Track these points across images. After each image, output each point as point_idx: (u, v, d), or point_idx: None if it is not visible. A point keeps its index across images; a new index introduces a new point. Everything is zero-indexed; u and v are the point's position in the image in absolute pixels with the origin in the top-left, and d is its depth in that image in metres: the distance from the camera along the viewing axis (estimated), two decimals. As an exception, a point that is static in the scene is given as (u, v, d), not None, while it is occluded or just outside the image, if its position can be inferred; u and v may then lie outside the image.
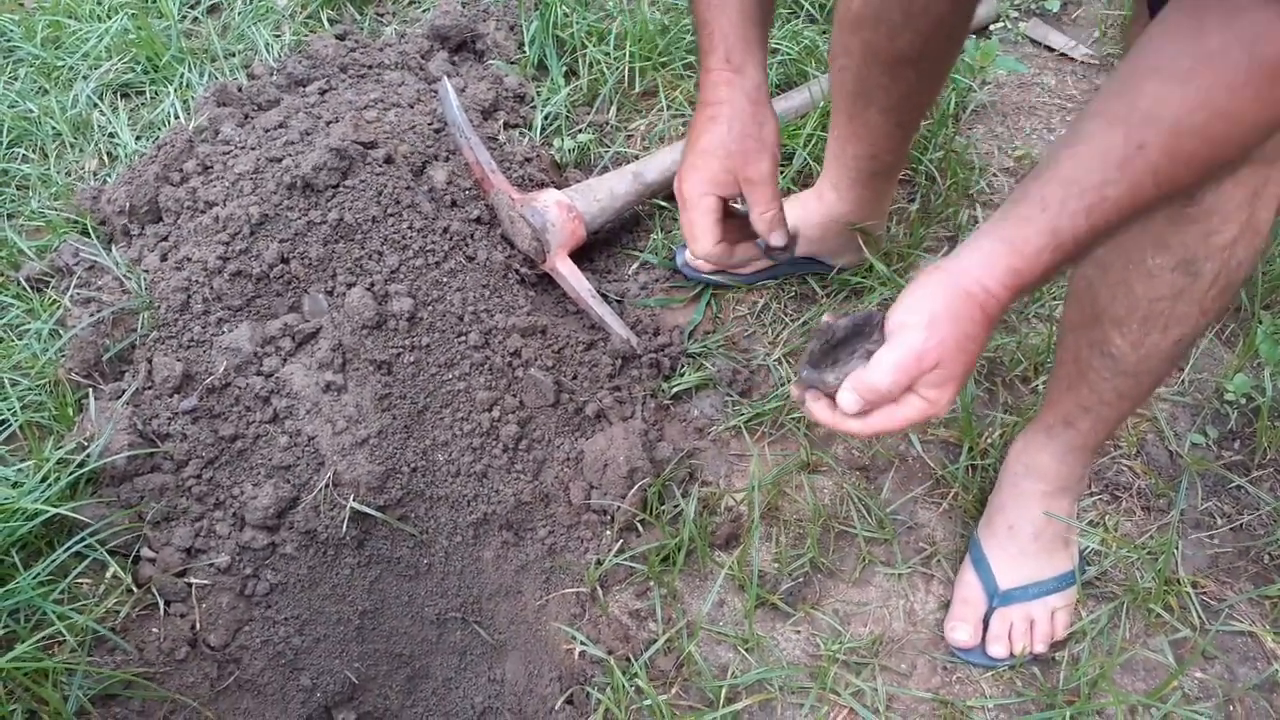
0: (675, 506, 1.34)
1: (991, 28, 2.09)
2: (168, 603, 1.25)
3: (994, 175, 1.72)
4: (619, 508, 1.32)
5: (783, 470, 1.37)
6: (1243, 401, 1.44)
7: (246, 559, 1.30)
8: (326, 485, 1.32)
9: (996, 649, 1.21)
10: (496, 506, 1.37)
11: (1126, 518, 1.35)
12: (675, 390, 1.46)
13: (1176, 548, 1.30)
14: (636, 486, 1.33)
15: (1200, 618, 1.25)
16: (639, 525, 1.33)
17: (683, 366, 1.48)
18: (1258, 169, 0.89)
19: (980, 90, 1.87)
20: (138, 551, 1.27)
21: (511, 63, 1.89)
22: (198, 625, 1.26)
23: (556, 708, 1.24)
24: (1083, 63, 2.00)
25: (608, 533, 1.34)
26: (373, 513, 1.32)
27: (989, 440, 1.38)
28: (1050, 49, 2.04)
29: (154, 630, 1.22)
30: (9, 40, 1.87)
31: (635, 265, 1.62)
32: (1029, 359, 1.46)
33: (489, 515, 1.37)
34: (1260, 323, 1.49)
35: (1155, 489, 1.37)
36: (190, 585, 1.27)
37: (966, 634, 1.22)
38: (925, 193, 1.68)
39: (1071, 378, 1.13)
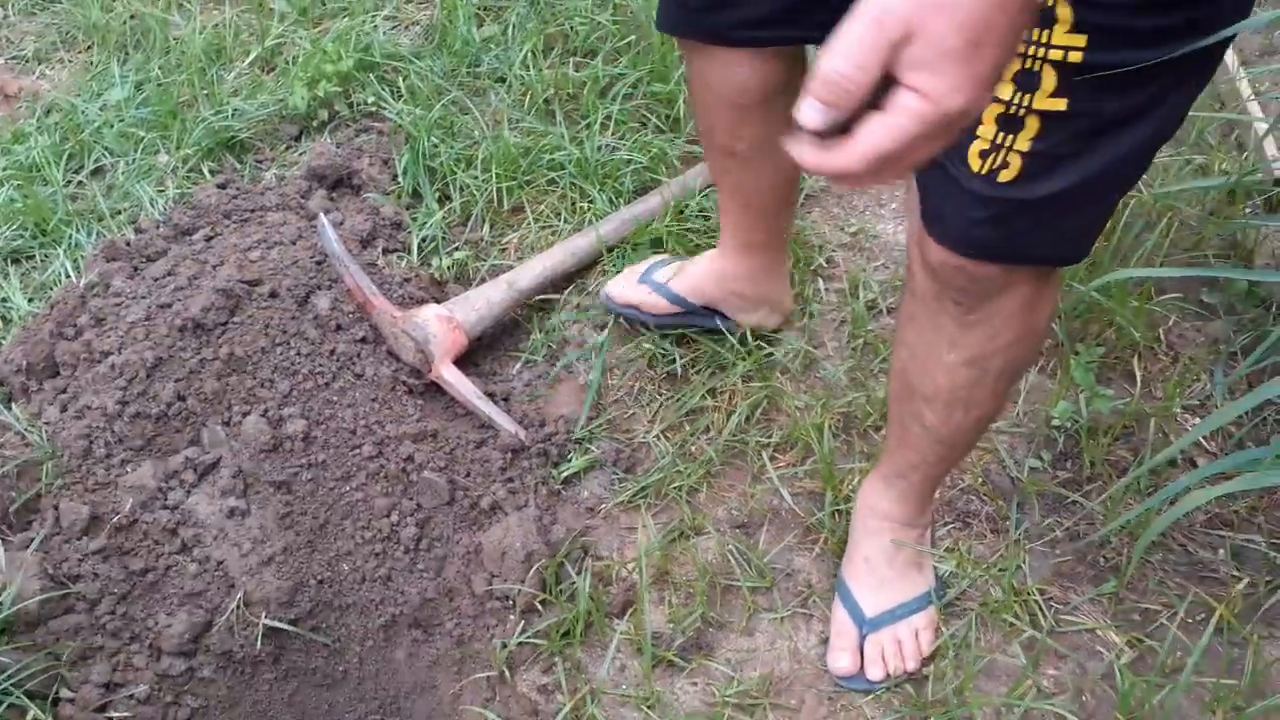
0: (571, 583, 1.44)
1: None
2: (90, 739, 1.29)
3: (833, 251, 1.91)
4: (519, 591, 1.42)
5: (667, 535, 1.48)
6: (1068, 425, 1.61)
7: (166, 687, 1.36)
8: (238, 605, 1.39)
9: (874, 672, 1.33)
10: (403, 607, 1.45)
11: (978, 541, 1.49)
12: (564, 475, 1.57)
13: (1023, 562, 1.45)
14: (534, 569, 1.42)
15: (1049, 621, 1.39)
16: (539, 605, 1.42)
17: (570, 452, 1.59)
18: (1030, 283, 1.02)
19: (811, 178, 2.07)
20: (56, 693, 1.32)
21: (386, 194, 2.03)
22: (120, 758, 1.30)
23: (477, 788, 1.31)
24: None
25: (511, 616, 1.43)
26: (285, 627, 1.39)
27: (850, 487, 1.53)
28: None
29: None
30: (-106, 224, 1.95)
31: (518, 365, 1.75)
32: (877, 410, 1.62)
33: (397, 616, 1.45)
34: (1076, 354, 1.68)
35: (1000, 512, 1.52)
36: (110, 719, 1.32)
37: (846, 661, 1.33)
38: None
39: (899, 439, 1.28)
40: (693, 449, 1.61)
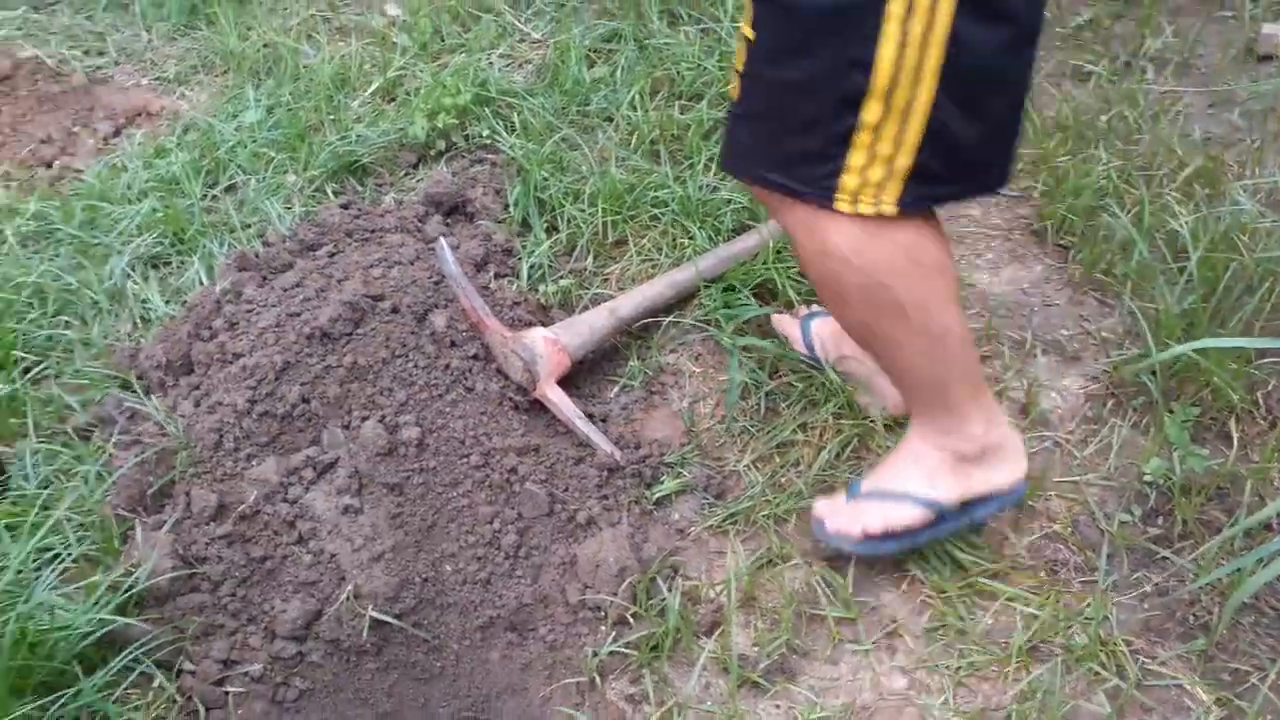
0: (661, 600, 1.49)
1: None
2: (208, 709, 1.38)
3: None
4: (611, 603, 1.48)
5: (756, 561, 1.53)
6: (1160, 482, 1.62)
7: (277, 668, 1.44)
8: (348, 597, 1.47)
9: (829, 522, 1.48)
10: (501, 610, 1.52)
11: (1064, 589, 1.51)
12: (657, 496, 1.63)
13: (1110, 613, 1.46)
14: (626, 583, 1.48)
15: (1135, 673, 1.39)
16: (630, 618, 1.48)
17: (663, 475, 1.65)
18: (782, 213, 1.24)
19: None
20: (180, 665, 1.41)
21: (498, 222, 2.13)
22: (233, 732, 1.38)
23: (563, 790, 1.36)
24: (1004, 194, 2.27)
25: (602, 627, 1.49)
26: (390, 620, 1.46)
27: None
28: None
29: (194, 737, 1.35)
30: (50, 224, 2.11)
31: (616, 389, 1.82)
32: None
33: (494, 619, 1.51)
34: (1170, 412, 1.69)
35: (1088, 563, 1.54)
36: (228, 694, 1.40)
37: (821, 506, 1.50)
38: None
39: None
40: (782, 480, 1.65)
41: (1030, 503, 1.61)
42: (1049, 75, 2.54)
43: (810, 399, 1.75)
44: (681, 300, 1.92)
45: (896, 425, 1.68)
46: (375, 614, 1.46)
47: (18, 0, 3.00)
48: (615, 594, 1.48)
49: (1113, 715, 1.34)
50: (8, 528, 1.44)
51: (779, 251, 1.95)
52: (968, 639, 1.44)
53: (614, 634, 1.46)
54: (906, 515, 1.43)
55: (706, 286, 1.92)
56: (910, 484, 1.43)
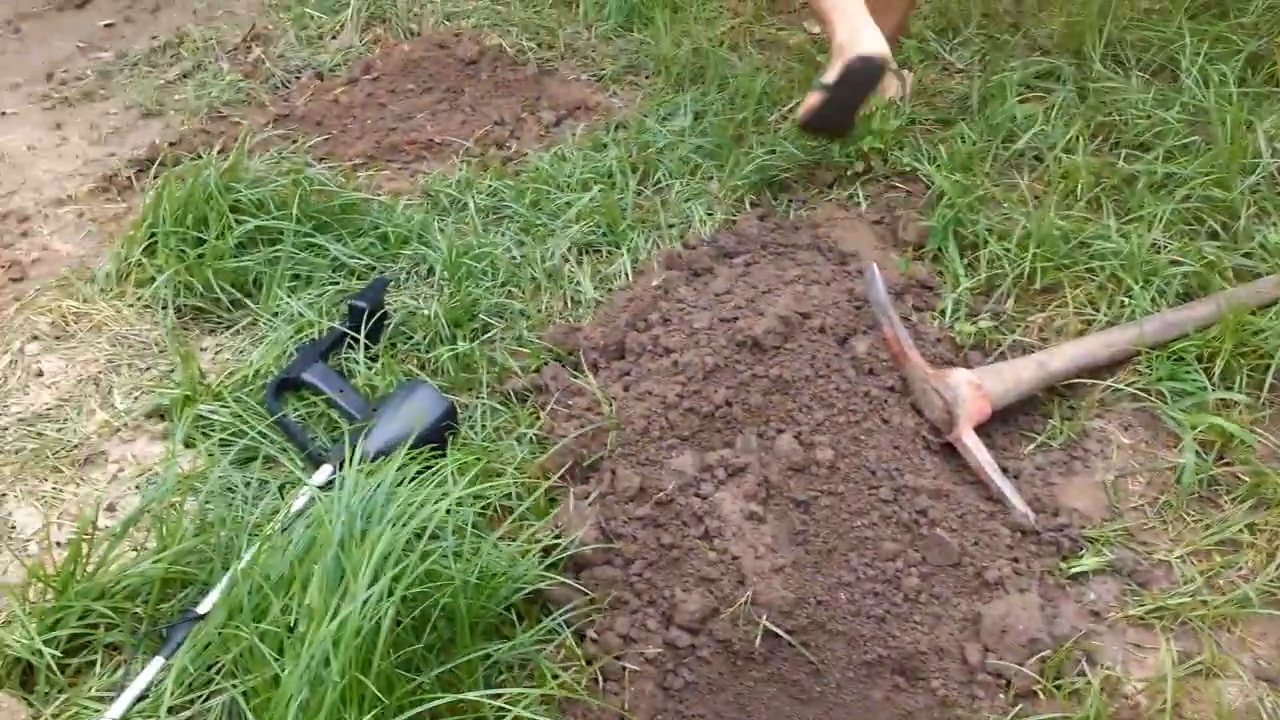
0: (1073, 682, 1.39)
1: None
2: (605, 680, 1.46)
3: None
4: (1017, 672, 1.40)
5: (1187, 667, 1.39)
6: None
7: (669, 655, 1.50)
8: (746, 602, 1.50)
9: None
10: (892, 651, 1.48)
11: None
12: (1073, 571, 1.52)
13: None
14: (1036, 656, 1.40)
15: None
16: (1039, 694, 1.39)
17: (1083, 549, 1.55)
18: None
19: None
20: (585, 631, 1.51)
21: (918, 251, 2.09)
22: (625, 706, 1.45)
23: None
24: None
25: (1001, 695, 1.41)
26: (781, 634, 1.48)
27: None
28: None
29: (594, 704, 1.43)
30: (502, 200, 2.34)
31: (1032, 446, 1.73)
32: None
33: (883, 657, 1.48)
34: None
35: None
36: (624, 669, 1.48)
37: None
38: None
39: None
40: (1222, 582, 1.49)
41: None
42: None
43: (1262, 497, 1.57)
44: (1115, 363, 1.79)
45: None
46: (769, 624, 1.48)
47: (480, -7, 3.35)
48: (1022, 664, 1.40)
49: None
50: (460, 470, 1.60)
51: (1239, 328, 1.75)
52: None
53: (1018, 706, 1.39)
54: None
55: (1148, 351, 1.77)
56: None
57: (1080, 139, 2.28)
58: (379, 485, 1.32)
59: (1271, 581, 1.47)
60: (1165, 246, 1.98)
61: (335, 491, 1.34)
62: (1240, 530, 1.53)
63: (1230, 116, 2.16)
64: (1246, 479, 1.60)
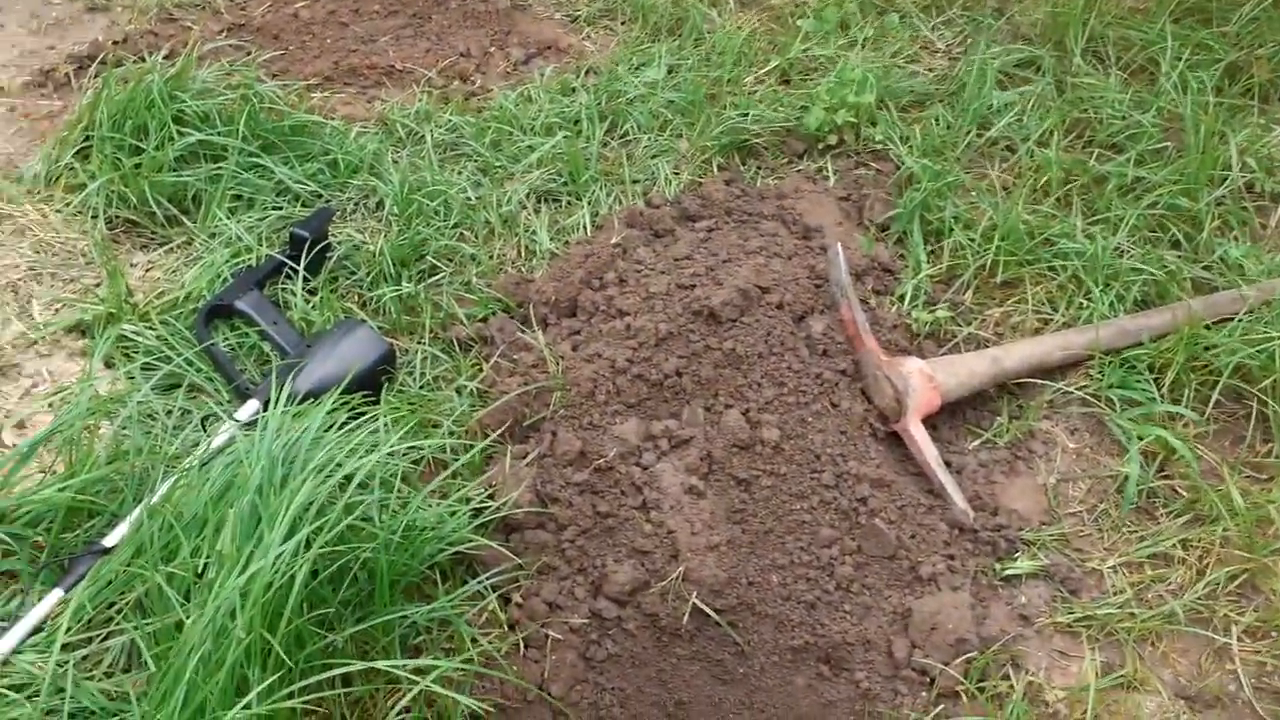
0: (995, 685, 1.39)
1: None
2: (526, 646, 1.43)
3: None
4: (942, 671, 1.39)
5: (1110, 679, 1.39)
6: None
7: (595, 625, 1.47)
8: (677, 577, 1.47)
9: None
10: (819, 638, 1.47)
11: None
12: (1006, 573, 1.52)
13: None
14: (962, 657, 1.39)
15: None
16: (962, 695, 1.39)
17: (1018, 552, 1.54)
18: None
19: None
20: (510, 595, 1.46)
21: (882, 232, 2.05)
22: (545, 675, 1.42)
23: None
24: None
25: (924, 693, 1.41)
26: (710, 612, 1.45)
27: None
28: None
29: (514, 668, 1.39)
30: (461, 136, 2.24)
31: (977, 442, 1.71)
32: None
33: (809, 644, 1.47)
34: None
35: None
36: (547, 637, 1.44)
37: None
38: None
39: None
40: (1151, 596, 1.50)
41: None
42: None
43: (1198, 513, 1.57)
44: (1069, 364, 1.78)
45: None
46: (699, 602, 1.45)
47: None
48: (948, 663, 1.39)
49: None
50: (394, 420, 1.54)
51: (1194, 341, 1.75)
52: None
53: (940, 706, 1.38)
54: None
55: (1101, 356, 1.76)
56: None
57: (1055, 133, 2.25)
58: (305, 430, 1.25)
59: (1199, 599, 1.48)
60: (1129, 251, 1.97)
61: (258, 432, 1.27)
62: (1174, 545, 1.53)
63: (1205, 125, 2.14)
64: (1185, 493, 1.61)
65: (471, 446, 1.54)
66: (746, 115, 2.29)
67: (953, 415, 1.76)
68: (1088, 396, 1.72)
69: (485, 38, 2.66)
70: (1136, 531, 1.57)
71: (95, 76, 2.31)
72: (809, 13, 2.71)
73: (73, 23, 2.68)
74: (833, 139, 2.30)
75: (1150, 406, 1.68)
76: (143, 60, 2.29)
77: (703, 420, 1.58)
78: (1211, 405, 1.70)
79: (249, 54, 2.42)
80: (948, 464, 1.64)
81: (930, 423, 1.69)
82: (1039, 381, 1.75)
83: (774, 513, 1.53)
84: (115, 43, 2.50)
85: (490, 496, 1.48)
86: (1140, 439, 1.63)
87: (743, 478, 1.54)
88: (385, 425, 1.40)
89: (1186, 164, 2.12)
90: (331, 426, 1.34)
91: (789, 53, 2.55)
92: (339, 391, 1.45)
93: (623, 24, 2.77)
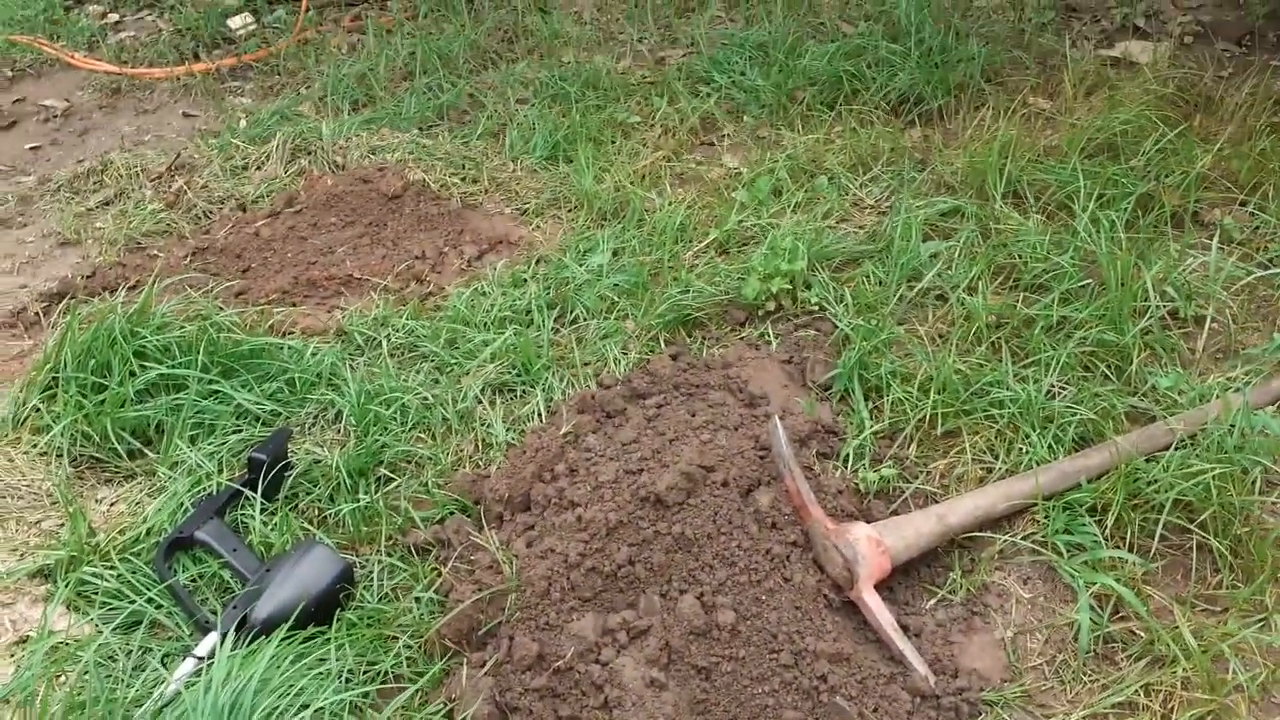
0: None
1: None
2: None
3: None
4: None
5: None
6: None
7: (565, 835, 1.45)
8: (644, 777, 1.46)
9: None
10: (792, 825, 1.45)
11: None
12: (972, 737, 1.51)
13: None
14: (934, 832, 1.37)
15: None
16: None
17: (981, 714, 1.54)
18: None
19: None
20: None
21: (824, 393, 2.12)
22: None
23: None
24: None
25: None
26: (680, 811, 1.44)
27: None
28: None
29: None
30: (417, 338, 2.33)
31: (933, 601, 1.73)
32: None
33: (784, 833, 1.45)
34: None
35: None
36: None
37: None
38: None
39: None
40: (1119, 747, 1.49)
41: None
42: None
43: (1156, 656, 1.58)
44: (1014, 513, 1.81)
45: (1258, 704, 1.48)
46: (667, 801, 1.44)
47: (409, 124, 3.41)
48: (920, 842, 1.37)
49: None
50: (350, 639, 1.56)
51: (1132, 478, 1.79)
52: None
53: None
54: None
55: (1045, 500, 1.80)
56: None
57: (982, 279, 2.35)
58: (250, 677, 1.27)
59: (1166, 746, 1.47)
60: (1061, 392, 2.03)
61: (202, 679, 1.29)
62: (1136, 692, 1.53)
63: (1120, 261, 2.24)
64: (1142, 633, 1.62)
65: (430, 659, 1.56)
66: (688, 291, 2.40)
67: (906, 574, 1.78)
68: (1035, 545, 1.75)
69: (439, 238, 2.80)
70: (1098, 679, 1.58)
71: (64, 314, 2.41)
72: (742, 185, 2.87)
73: (45, 259, 2.82)
74: (771, 305, 2.40)
75: (1096, 551, 1.70)
76: (111, 293, 2.40)
77: (659, 608, 1.61)
78: (1157, 540, 1.73)
79: (215, 275, 2.54)
80: (905, 628, 1.65)
81: (886, 585, 1.72)
82: (987, 534, 1.78)
83: (736, 699, 1.54)
84: (85, 277, 2.63)
85: (449, 714, 1.48)
86: (1089, 585, 1.65)
87: (702, 665, 1.55)
88: (340, 653, 1.42)
89: (1108, 300, 2.21)
90: (284, 662, 1.36)
91: (725, 224, 2.68)
92: (296, 616, 1.48)
93: (569, 212, 2.92)
